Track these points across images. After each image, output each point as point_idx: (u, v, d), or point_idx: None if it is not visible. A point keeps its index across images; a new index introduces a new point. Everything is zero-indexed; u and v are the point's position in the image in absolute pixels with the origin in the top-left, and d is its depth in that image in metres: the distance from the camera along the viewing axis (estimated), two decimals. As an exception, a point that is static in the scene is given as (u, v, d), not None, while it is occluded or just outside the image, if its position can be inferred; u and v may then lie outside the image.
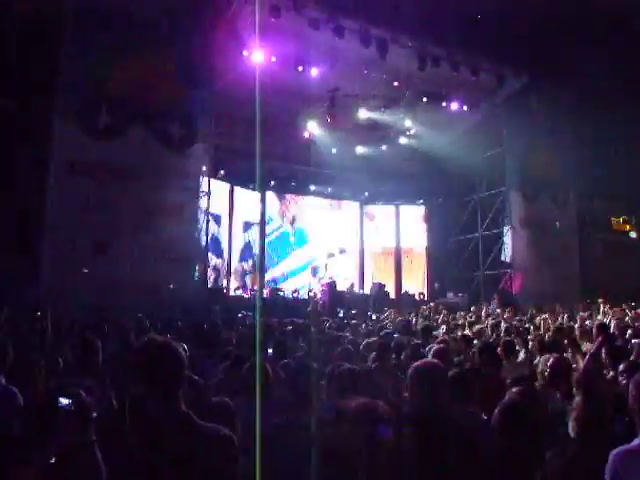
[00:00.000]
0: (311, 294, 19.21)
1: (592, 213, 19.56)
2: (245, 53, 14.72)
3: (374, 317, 12.53)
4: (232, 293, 18.39)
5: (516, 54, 14.83)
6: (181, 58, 13.87)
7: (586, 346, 6.23)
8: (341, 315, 13.85)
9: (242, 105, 13.38)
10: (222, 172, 18.26)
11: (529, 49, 14.43)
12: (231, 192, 19.40)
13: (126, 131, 13.74)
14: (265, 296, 18.63)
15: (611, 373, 4.50)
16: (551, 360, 4.47)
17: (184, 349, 4.06)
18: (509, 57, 15.29)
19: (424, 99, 17.53)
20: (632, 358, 4.80)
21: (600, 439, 2.85)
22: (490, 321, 10.07)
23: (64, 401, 2.11)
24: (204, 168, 15.83)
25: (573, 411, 3.07)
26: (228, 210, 19.32)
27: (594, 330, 7.06)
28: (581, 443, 2.91)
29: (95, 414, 2.14)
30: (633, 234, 21.45)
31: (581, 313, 12.28)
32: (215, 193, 17.55)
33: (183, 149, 14.63)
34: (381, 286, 20.08)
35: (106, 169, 13.37)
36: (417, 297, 21.00)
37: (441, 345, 5.18)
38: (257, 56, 14.65)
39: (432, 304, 16.51)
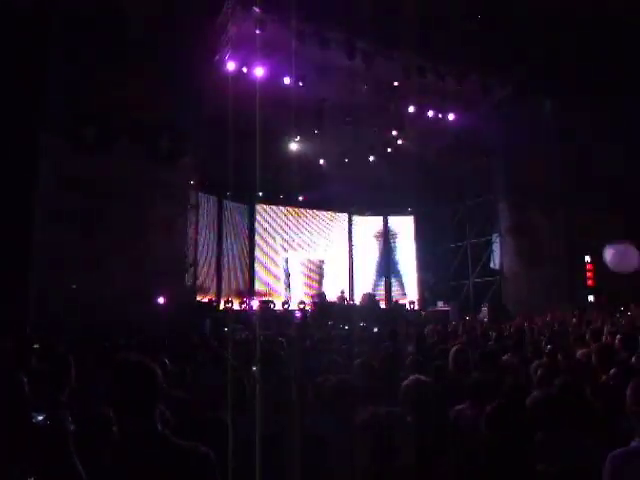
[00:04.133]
0: (301, 306, 19.19)
1: (579, 220, 19.67)
2: (231, 65, 14.75)
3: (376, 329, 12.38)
4: (222, 307, 18.31)
5: (501, 63, 14.93)
6: (168, 71, 13.85)
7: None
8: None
9: (229, 118, 13.38)
10: (211, 185, 18.26)
11: (514, 59, 14.52)
12: (220, 204, 19.39)
13: (114, 145, 13.69)
14: (255, 309, 18.58)
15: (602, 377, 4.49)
16: (544, 366, 4.50)
17: (164, 364, 4.01)
18: (494, 67, 15.39)
19: (411, 109, 17.62)
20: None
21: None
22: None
23: (39, 417, 2.08)
24: (192, 181, 15.80)
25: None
26: (217, 223, 19.30)
27: (588, 336, 7.11)
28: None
29: (72, 427, 2.11)
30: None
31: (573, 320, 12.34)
32: (204, 206, 17.59)
33: (171, 162, 14.58)
34: (371, 296, 20.09)
35: (94, 184, 13.28)
36: (408, 306, 21.02)
37: (459, 345, 5.27)
38: (243, 68, 14.71)
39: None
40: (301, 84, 15.34)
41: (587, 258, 19.83)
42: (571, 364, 4.93)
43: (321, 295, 19.14)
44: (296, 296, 20.55)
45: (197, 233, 16.84)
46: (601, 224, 19.66)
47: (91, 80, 13.01)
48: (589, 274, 19.61)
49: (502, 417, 3.11)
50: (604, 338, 7.07)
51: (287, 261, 21.60)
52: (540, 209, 18.91)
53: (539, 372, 4.39)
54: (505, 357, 6.05)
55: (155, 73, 13.59)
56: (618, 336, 6.48)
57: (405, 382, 3.24)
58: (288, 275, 21.40)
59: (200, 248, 17.54)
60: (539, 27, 13.80)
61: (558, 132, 16.92)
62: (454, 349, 5.00)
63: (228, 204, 19.73)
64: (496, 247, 20.59)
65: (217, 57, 14.58)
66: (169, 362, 4.52)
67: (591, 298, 19.02)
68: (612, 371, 3.69)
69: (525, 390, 3.80)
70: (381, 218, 23.97)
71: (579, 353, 5.88)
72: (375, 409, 2.03)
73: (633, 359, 4.93)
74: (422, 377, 3.37)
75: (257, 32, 13.52)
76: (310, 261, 22.27)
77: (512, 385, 3.86)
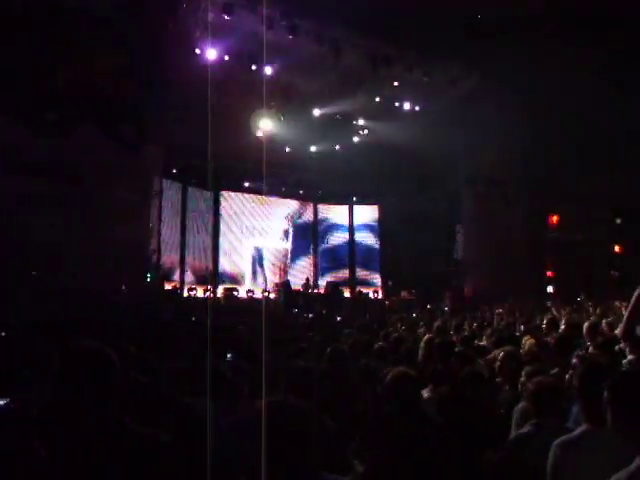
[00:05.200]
0: (266, 294, 19.18)
1: (541, 211, 20.07)
2: (198, 51, 14.56)
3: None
4: (185, 294, 18.17)
5: (468, 55, 15.04)
6: (133, 56, 13.58)
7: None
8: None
9: (195, 103, 13.19)
10: (175, 171, 18.08)
11: (480, 50, 14.64)
12: (184, 191, 19.20)
13: (76, 129, 13.37)
14: (219, 297, 18.50)
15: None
16: (502, 353, 4.61)
17: (127, 350, 3.97)
18: (461, 58, 15.51)
19: (377, 99, 17.66)
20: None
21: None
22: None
23: (0, 401, 2.04)
24: (156, 167, 15.57)
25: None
26: (181, 210, 19.12)
27: (545, 325, 7.28)
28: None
29: (36, 411, 2.07)
30: (578, 232, 22.04)
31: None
32: (168, 193, 17.39)
33: (135, 148, 14.33)
34: (336, 285, 20.19)
35: (55, 169, 12.97)
36: (372, 295, 21.19)
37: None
38: (210, 54, 14.52)
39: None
40: (268, 71, 15.23)
41: (547, 249, 20.28)
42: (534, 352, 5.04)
43: (286, 283, 19.14)
44: (263, 284, 20.60)
45: (161, 220, 16.64)
46: (563, 217, 20.11)
47: (54, 62, 12.68)
48: (549, 265, 20.07)
49: (452, 402, 3.20)
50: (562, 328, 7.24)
51: (260, 250, 21.65)
52: (503, 200, 19.23)
53: (500, 360, 4.49)
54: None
55: (121, 58, 13.32)
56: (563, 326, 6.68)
57: (391, 374, 3.28)
58: (261, 264, 21.45)
59: (164, 235, 17.35)
60: (506, 19, 13.92)
61: (522, 124, 17.16)
62: (425, 339, 5.10)
63: (192, 191, 19.55)
64: (459, 237, 20.88)
65: (184, 42, 14.36)
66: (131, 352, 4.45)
67: (550, 289, 19.48)
68: (573, 361, 3.79)
69: (481, 378, 3.88)
70: (346, 207, 24.03)
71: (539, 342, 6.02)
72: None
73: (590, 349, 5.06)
74: (409, 370, 3.42)
75: (226, 17, 13.38)
76: (275, 249, 22.25)
77: (467, 373, 3.94)
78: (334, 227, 23.94)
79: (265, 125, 18.10)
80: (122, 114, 13.88)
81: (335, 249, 23.83)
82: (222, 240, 20.78)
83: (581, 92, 14.98)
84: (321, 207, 23.77)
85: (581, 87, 14.94)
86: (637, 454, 2.04)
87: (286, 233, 22.61)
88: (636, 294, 3.72)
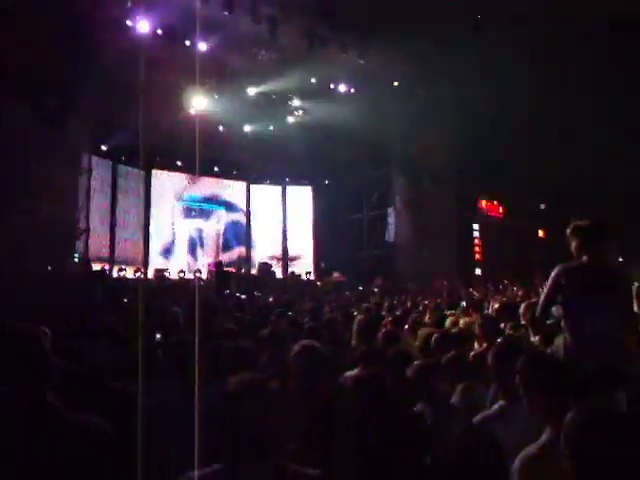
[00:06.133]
0: (197, 274, 18.98)
1: (469, 196, 20.64)
2: (129, 23, 14.04)
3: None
4: (115, 275, 17.71)
5: (405, 42, 15.14)
6: (59, 25, 12.93)
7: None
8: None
9: (126, 78, 12.75)
10: (105, 148, 17.53)
11: (418, 36, 14.77)
12: (114, 169, 18.66)
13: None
14: (150, 278, 18.16)
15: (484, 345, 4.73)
16: (435, 335, 4.71)
17: (46, 333, 3.84)
18: (398, 44, 15.60)
19: (313, 80, 17.60)
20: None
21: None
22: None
23: None
24: (84, 143, 15.02)
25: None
26: (111, 188, 18.59)
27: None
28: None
29: None
30: (506, 217, 22.86)
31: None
32: (97, 170, 16.86)
33: (61, 122, 13.71)
34: (268, 266, 20.21)
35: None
36: (304, 277, 21.29)
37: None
38: (142, 27, 14.03)
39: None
40: (203, 47, 14.87)
41: (475, 233, 20.94)
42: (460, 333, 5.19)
43: (218, 264, 18.99)
44: (200, 264, 20.42)
45: (89, 199, 16.12)
46: (491, 202, 20.76)
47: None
48: (477, 249, 20.75)
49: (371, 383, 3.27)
50: (489, 309, 7.50)
51: (199, 230, 21.40)
52: (434, 185, 19.65)
53: (433, 340, 4.60)
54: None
55: (42, 26, 12.64)
56: (496, 305, 6.90)
57: (296, 347, 3.33)
58: (202, 244, 21.27)
59: (92, 215, 16.82)
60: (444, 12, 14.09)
61: (455, 110, 17.52)
62: (357, 319, 5.16)
63: (123, 169, 19.02)
64: (391, 220, 21.23)
65: (114, 12, 13.80)
66: (59, 335, 4.31)
67: (478, 271, 20.15)
68: (499, 341, 3.91)
69: (408, 358, 3.97)
70: (280, 188, 23.97)
71: (462, 322, 6.21)
72: (242, 376, 2.03)
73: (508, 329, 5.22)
74: (314, 343, 3.44)
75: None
76: (208, 230, 22.01)
77: (394, 353, 4.01)
78: (267, 207, 23.83)
79: (198, 103, 17.74)
80: (46, 85, 13.17)
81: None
82: (154, 220, 20.37)
83: (512, 82, 15.45)
84: (253, 187, 23.62)
85: (512, 77, 15.40)
86: (546, 426, 2.23)
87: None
88: (553, 275, 3.85)
